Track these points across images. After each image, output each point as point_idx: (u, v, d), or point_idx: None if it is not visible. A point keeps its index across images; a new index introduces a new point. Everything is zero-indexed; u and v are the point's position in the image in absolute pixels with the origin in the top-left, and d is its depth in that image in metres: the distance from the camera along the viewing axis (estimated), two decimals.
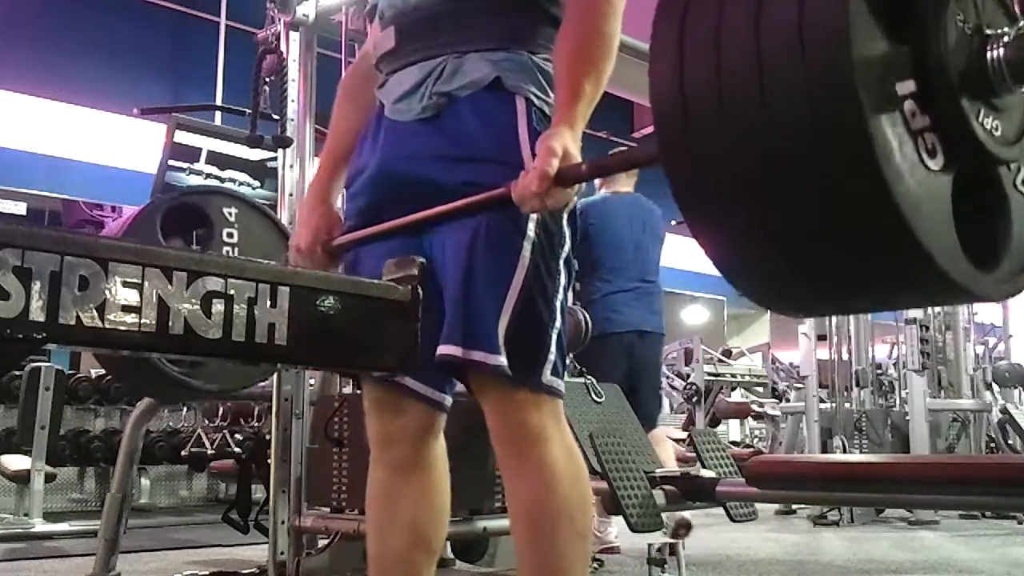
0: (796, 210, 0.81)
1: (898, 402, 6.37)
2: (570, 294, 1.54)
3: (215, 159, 4.60)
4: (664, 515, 3.48)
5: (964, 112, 0.81)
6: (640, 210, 4.01)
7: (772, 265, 0.88)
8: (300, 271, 1.04)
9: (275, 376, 2.80)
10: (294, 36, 3.00)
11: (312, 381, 3.00)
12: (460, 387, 1.53)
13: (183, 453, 5.72)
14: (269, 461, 2.89)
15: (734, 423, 9.08)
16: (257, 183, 4.75)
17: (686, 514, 3.44)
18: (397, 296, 1.00)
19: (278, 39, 2.95)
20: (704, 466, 2.69)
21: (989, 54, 0.83)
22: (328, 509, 2.75)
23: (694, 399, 7.15)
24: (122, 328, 0.80)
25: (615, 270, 3.84)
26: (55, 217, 8.38)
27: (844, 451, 5.28)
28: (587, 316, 3.34)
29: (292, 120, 2.93)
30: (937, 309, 6.07)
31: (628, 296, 3.85)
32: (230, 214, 2.54)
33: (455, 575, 3.16)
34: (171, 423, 6.15)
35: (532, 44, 1.48)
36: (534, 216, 1.39)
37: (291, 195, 2.99)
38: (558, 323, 1.45)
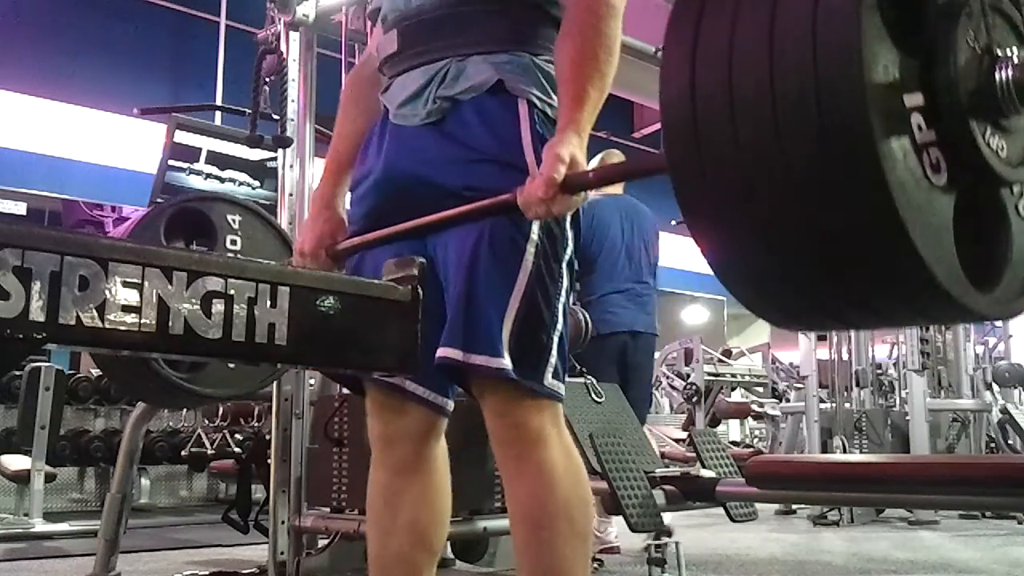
0: (802, 223, 0.81)
1: (898, 402, 6.37)
2: (571, 296, 1.54)
3: (215, 159, 4.61)
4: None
5: (972, 131, 0.82)
6: (631, 212, 4.08)
7: (775, 278, 0.88)
8: (300, 271, 1.04)
9: None
10: (294, 36, 3.00)
11: (312, 381, 3.00)
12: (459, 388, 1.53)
13: (183, 453, 5.71)
14: (269, 461, 2.89)
15: (734, 423, 9.08)
16: (257, 183, 4.75)
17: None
18: (397, 296, 1.00)
19: (278, 39, 2.95)
20: (704, 466, 2.69)
21: (998, 75, 0.83)
22: (328, 509, 2.76)
23: (694, 399, 7.15)
24: (122, 328, 0.80)
25: (608, 271, 3.91)
26: (55, 217, 8.36)
27: (844, 451, 5.28)
28: (587, 316, 3.35)
29: (292, 120, 2.93)
30: None
31: (621, 297, 3.92)
32: (233, 220, 2.55)
33: (455, 575, 3.16)
34: (171, 423, 6.15)
35: (533, 45, 1.48)
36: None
37: (291, 195, 2.99)
38: (560, 326, 1.45)
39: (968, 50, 0.83)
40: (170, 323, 0.82)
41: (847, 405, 5.85)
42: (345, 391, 2.77)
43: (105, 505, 2.78)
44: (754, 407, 7.40)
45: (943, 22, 0.82)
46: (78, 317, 0.78)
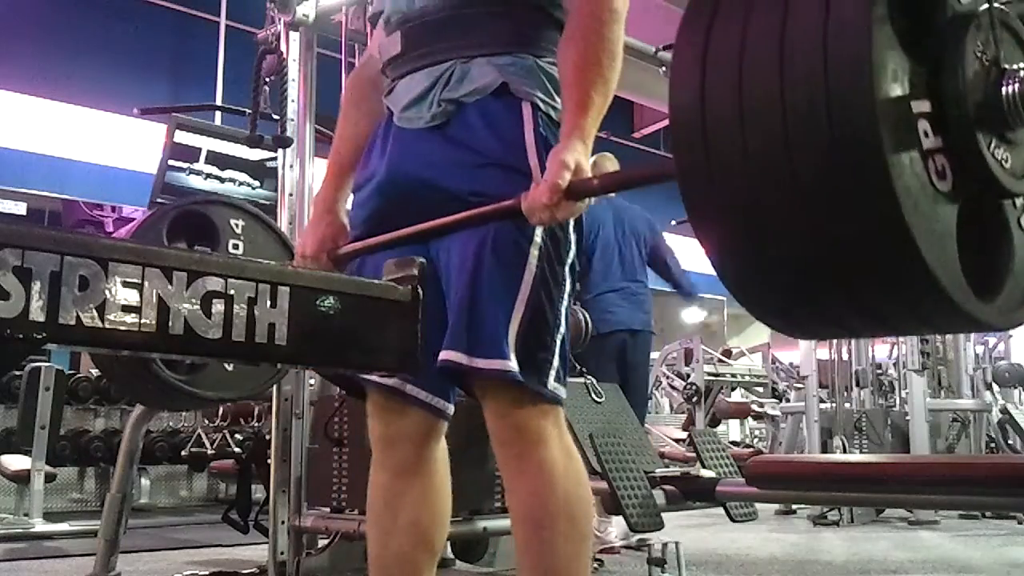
0: (809, 231, 0.82)
1: (898, 402, 6.37)
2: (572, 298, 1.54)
3: (215, 159, 4.60)
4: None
5: (978, 142, 0.83)
6: (623, 211, 4.16)
7: (781, 285, 0.89)
8: (300, 271, 1.04)
9: None
10: (294, 36, 3.00)
11: (312, 381, 3.00)
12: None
13: (183, 453, 5.72)
14: (269, 461, 2.89)
15: (734, 423, 9.07)
16: (257, 183, 4.75)
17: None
18: (397, 296, 1.00)
19: (278, 39, 2.95)
20: (704, 466, 2.69)
21: (1005, 89, 0.84)
22: (328, 509, 2.76)
23: (694, 399, 7.15)
24: (122, 328, 0.80)
25: (603, 271, 3.98)
26: (55, 217, 8.38)
27: (844, 451, 5.28)
28: (587, 316, 3.36)
29: (292, 120, 2.93)
30: None
31: (617, 296, 4.00)
32: (236, 225, 2.55)
33: (455, 575, 3.16)
34: (171, 423, 6.15)
35: (537, 47, 1.48)
36: None
37: (291, 195, 2.99)
38: (563, 329, 1.46)
39: (976, 62, 0.84)
40: (170, 323, 0.82)
41: (847, 405, 5.85)
42: (344, 391, 2.77)
43: (105, 505, 2.78)
44: (754, 407, 7.40)
45: (953, 33, 0.83)
46: (78, 317, 0.78)
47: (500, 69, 1.45)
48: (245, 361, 0.95)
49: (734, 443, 8.39)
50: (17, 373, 4.98)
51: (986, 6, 0.86)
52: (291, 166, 2.99)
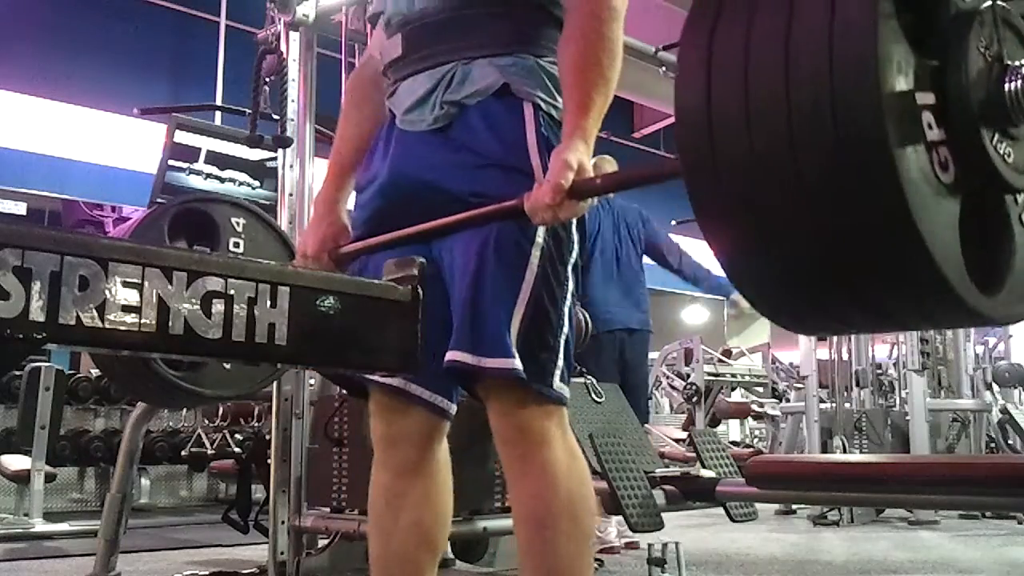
0: (816, 227, 0.83)
1: (898, 402, 6.37)
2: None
3: (215, 159, 4.61)
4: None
5: (982, 136, 0.84)
6: (620, 210, 4.17)
7: (787, 282, 0.90)
8: (300, 271, 1.04)
9: None
10: (294, 36, 3.00)
11: (312, 381, 3.00)
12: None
13: (183, 453, 5.72)
14: (269, 461, 2.89)
15: (734, 423, 9.07)
16: (257, 183, 4.75)
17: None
18: (397, 296, 1.00)
19: (278, 39, 2.95)
20: (704, 466, 2.69)
21: (1008, 85, 0.85)
22: (328, 509, 2.76)
23: (694, 399, 7.15)
24: (122, 328, 0.80)
25: (601, 270, 4.01)
26: (55, 217, 8.37)
27: (844, 451, 5.27)
28: (587, 316, 3.36)
29: (292, 120, 2.93)
30: None
31: (615, 295, 4.03)
32: (237, 223, 2.55)
33: (455, 575, 3.16)
34: (171, 423, 6.15)
35: (538, 47, 1.48)
36: None
37: (291, 195, 2.99)
38: (566, 329, 1.46)
39: (979, 58, 0.85)
40: (170, 323, 0.82)
41: (847, 405, 5.85)
42: (345, 391, 2.77)
43: (105, 505, 2.78)
44: (754, 407, 7.40)
45: (956, 30, 0.84)
46: (78, 317, 0.78)
47: (501, 70, 1.45)
48: (245, 361, 0.95)
49: (734, 443, 8.39)
50: (17, 373, 4.98)
51: (989, 4, 0.87)
52: (291, 166, 2.99)
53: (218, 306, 0.85)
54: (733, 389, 7.84)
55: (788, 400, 7.36)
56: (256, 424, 4.84)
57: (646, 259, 4.26)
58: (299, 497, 2.81)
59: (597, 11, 1.38)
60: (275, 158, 3.38)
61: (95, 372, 5.89)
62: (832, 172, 0.79)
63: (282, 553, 2.77)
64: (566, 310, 1.46)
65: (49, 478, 4.77)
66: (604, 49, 1.37)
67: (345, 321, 0.94)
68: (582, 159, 1.29)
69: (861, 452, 5.39)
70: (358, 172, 1.65)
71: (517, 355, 1.37)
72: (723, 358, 7.98)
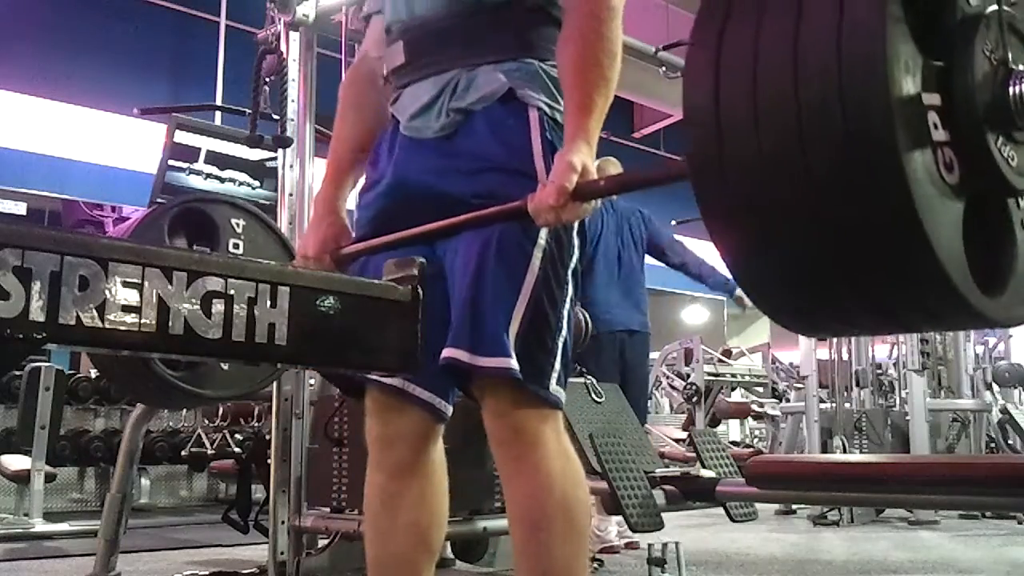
0: (823, 227, 0.83)
1: (898, 402, 6.37)
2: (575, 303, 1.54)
3: (215, 159, 4.61)
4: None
5: (987, 139, 0.85)
6: (623, 212, 4.20)
7: (794, 283, 0.90)
8: (300, 271, 1.04)
9: None
10: (294, 36, 3.00)
11: (312, 381, 3.00)
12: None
13: (183, 453, 5.72)
14: (269, 461, 2.89)
15: (734, 423, 9.07)
16: (257, 183, 4.75)
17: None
18: (397, 296, 1.00)
19: (278, 39, 2.95)
20: (704, 466, 2.69)
21: (1012, 89, 0.86)
22: (328, 509, 2.76)
23: (694, 399, 7.15)
24: (122, 328, 0.80)
25: (603, 271, 4.03)
26: (55, 217, 8.37)
27: (844, 451, 5.27)
28: (587, 316, 3.36)
29: (292, 120, 2.93)
30: None
31: (616, 297, 4.07)
32: (237, 224, 2.55)
33: (455, 575, 3.16)
34: (171, 423, 6.15)
35: (540, 50, 1.48)
36: None
37: (291, 195, 2.99)
38: (565, 332, 1.46)
39: (985, 62, 0.85)
40: (170, 323, 0.82)
41: (847, 405, 5.85)
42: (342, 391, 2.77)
43: (105, 505, 2.78)
44: (754, 407, 7.40)
45: (963, 34, 0.85)
46: (78, 317, 0.78)
47: (506, 75, 1.45)
48: (245, 361, 0.95)
49: (734, 443, 8.39)
50: (17, 373, 4.98)
51: (994, 8, 0.87)
52: (291, 166, 2.99)
53: (218, 306, 0.85)
54: (733, 389, 7.84)
55: (788, 400, 7.36)
56: (256, 424, 4.84)
57: (649, 258, 4.28)
58: (299, 497, 2.81)
59: (596, 11, 1.38)
60: (275, 158, 3.38)
61: (95, 372, 5.89)
62: (840, 171, 0.80)
63: (282, 553, 2.77)
64: (565, 313, 1.46)
65: (49, 478, 4.77)
66: (604, 49, 1.37)
67: (345, 321, 0.94)
68: (585, 161, 1.29)
69: (861, 452, 5.38)
70: (358, 171, 1.65)
71: (514, 355, 1.37)
72: (723, 358, 7.98)
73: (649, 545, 2.72)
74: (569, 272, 1.47)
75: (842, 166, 0.79)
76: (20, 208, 7.95)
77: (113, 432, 5.84)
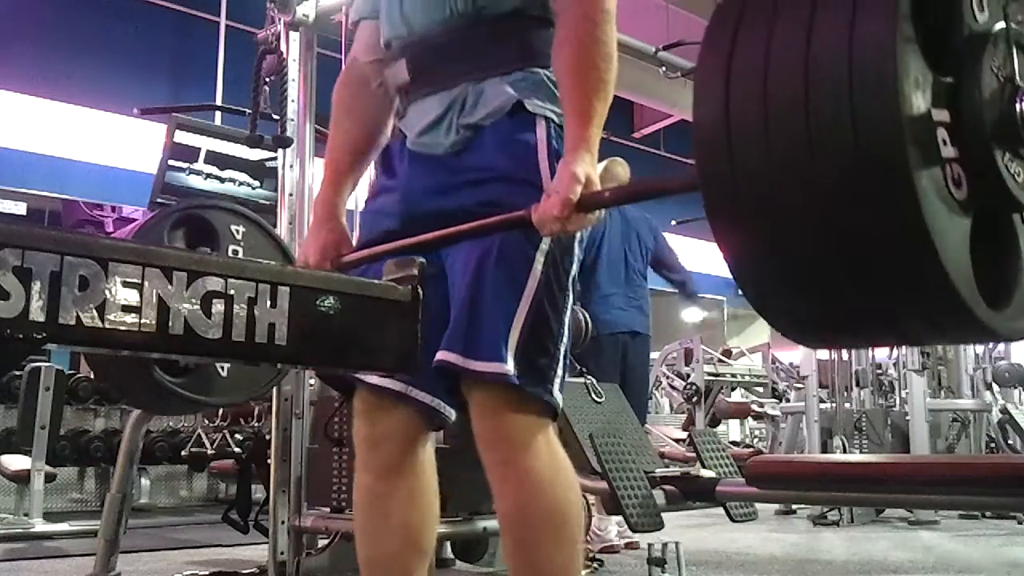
0: (832, 240, 0.84)
1: (898, 402, 6.37)
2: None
3: (215, 159, 4.60)
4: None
5: (994, 155, 0.85)
6: (629, 215, 4.22)
7: (802, 294, 0.91)
8: (300, 271, 1.04)
9: None
10: (294, 36, 3.00)
11: (312, 381, 3.00)
12: None
13: (183, 453, 5.72)
14: (269, 461, 2.89)
15: (734, 423, 9.07)
16: (257, 183, 4.75)
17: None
18: (397, 296, 1.00)
19: (278, 39, 2.95)
20: (704, 466, 2.69)
21: (1019, 106, 0.87)
22: (328, 509, 2.76)
23: (694, 399, 7.14)
24: (122, 328, 0.80)
25: (609, 273, 4.08)
26: (55, 217, 8.37)
27: (844, 451, 5.27)
28: (587, 316, 3.36)
29: (292, 120, 2.93)
30: None
31: (620, 299, 4.14)
32: (237, 231, 2.56)
33: (455, 575, 3.16)
34: (171, 423, 6.15)
35: (543, 58, 1.47)
36: None
37: (291, 195, 2.99)
38: (565, 338, 1.46)
39: (993, 78, 0.86)
40: (170, 323, 0.82)
41: (847, 405, 5.85)
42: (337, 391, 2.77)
43: (105, 505, 2.78)
44: (754, 407, 7.39)
45: (971, 51, 0.86)
46: (78, 317, 0.78)
47: (513, 86, 1.45)
48: (245, 361, 0.95)
49: (734, 443, 8.39)
50: (17, 373, 4.98)
51: (1002, 26, 0.88)
52: (291, 166, 3.00)
53: (218, 306, 0.85)
54: (733, 389, 7.84)
55: (788, 400, 7.36)
56: (256, 424, 4.84)
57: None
58: (299, 497, 2.81)
59: (590, 14, 1.38)
60: (275, 158, 3.38)
61: None
62: (850, 185, 0.80)
63: (282, 553, 2.77)
64: (566, 319, 1.46)
65: (49, 478, 4.77)
66: (600, 53, 1.37)
67: (345, 321, 0.94)
68: (589, 171, 1.29)
69: (861, 452, 5.38)
70: (356, 173, 1.65)
71: (511, 360, 1.37)
72: (723, 358, 7.98)
73: (649, 545, 2.72)
74: (570, 278, 1.47)
75: (852, 181, 0.80)
76: (20, 208, 7.95)
77: (113, 432, 5.84)
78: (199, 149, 4.57)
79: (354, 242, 1.60)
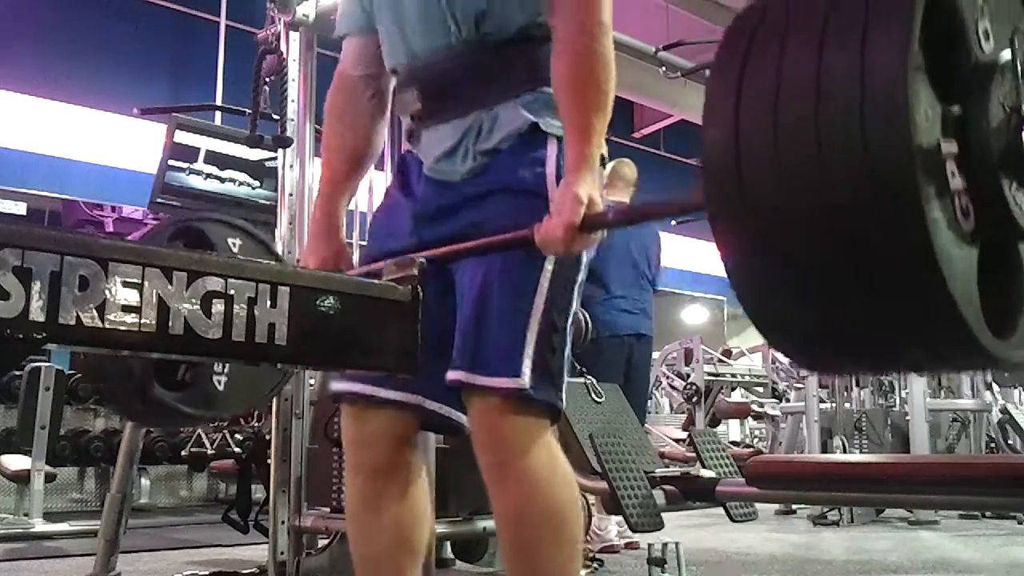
0: (841, 268, 0.84)
1: (898, 402, 6.37)
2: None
3: (214, 159, 4.60)
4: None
5: (1002, 185, 0.86)
6: (641, 226, 4.19)
7: (811, 321, 0.91)
8: (300, 271, 1.04)
9: None
10: (294, 36, 3.00)
11: (312, 381, 3.00)
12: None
13: (183, 453, 5.72)
14: (269, 461, 2.89)
15: (734, 423, 9.07)
16: (257, 183, 4.75)
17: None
18: (397, 296, 1.00)
19: (278, 39, 2.95)
20: (704, 466, 2.69)
21: None
22: (328, 509, 2.76)
23: (694, 399, 7.14)
24: (122, 328, 0.80)
25: (616, 275, 4.11)
26: (55, 217, 8.37)
27: (844, 451, 5.27)
28: (587, 317, 3.37)
29: (292, 120, 2.93)
30: None
31: (627, 302, 4.21)
32: (234, 244, 2.56)
33: (455, 575, 3.16)
34: None
35: (549, 76, 1.46)
36: None
37: (291, 195, 2.99)
38: (567, 345, 1.46)
39: (1000, 109, 0.86)
40: (170, 323, 0.82)
41: (847, 405, 5.85)
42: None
43: (105, 505, 2.78)
44: (754, 407, 7.39)
45: (979, 79, 0.86)
46: (78, 317, 0.78)
47: (526, 107, 1.45)
48: (245, 361, 0.95)
49: (734, 443, 8.39)
50: (17, 373, 4.99)
51: (1008, 56, 0.88)
52: (291, 166, 2.99)
53: (218, 306, 0.85)
54: (733, 389, 7.84)
55: (788, 400, 7.36)
56: (256, 424, 4.83)
57: None
58: (299, 497, 2.81)
59: (588, 26, 1.37)
60: (275, 158, 3.38)
61: None
62: (860, 217, 0.80)
63: (282, 553, 2.77)
64: (569, 326, 1.46)
65: (49, 478, 4.77)
66: (600, 66, 1.36)
67: (345, 321, 0.94)
68: (592, 192, 1.29)
69: (861, 452, 5.38)
70: (353, 183, 1.66)
71: (529, 373, 1.37)
72: (723, 358, 7.97)
73: (649, 545, 2.73)
74: (576, 285, 1.47)
75: (863, 212, 0.80)
76: (20, 208, 7.95)
77: (113, 432, 5.84)
78: (199, 149, 4.57)
79: (354, 240, 1.60)
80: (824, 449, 5.35)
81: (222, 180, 4.63)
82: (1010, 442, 6.08)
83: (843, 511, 5.03)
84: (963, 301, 0.81)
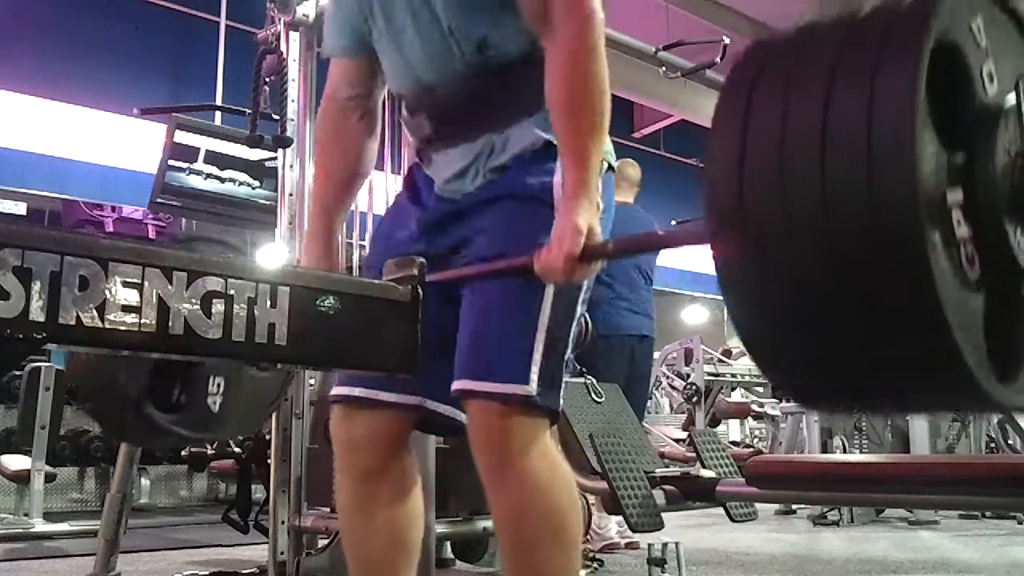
0: (847, 315, 0.84)
1: None
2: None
3: (214, 159, 4.60)
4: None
5: (1007, 232, 0.85)
6: (640, 221, 4.25)
7: (813, 363, 0.91)
8: (300, 271, 1.04)
9: None
10: (294, 36, 3.00)
11: (312, 381, 3.00)
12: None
13: (183, 453, 5.70)
14: (269, 461, 2.89)
15: (734, 423, 9.07)
16: (257, 183, 4.74)
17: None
18: (397, 296, 1.00)
19: (278, 39, 2.95)
20: (704, 466, 2.69)
21: None
22: (328, 509, 2.75)
23: (694, 399, 7.14)
24: (122, 328, 0.80)
25: (621, 277, 4.09)
26: (55, 217, 8.38)
27: (844, 451, 5.27)
28: (587, 317, 3.37)
29: (292, 120, 2.93)
30: None
31: (630, 303, 4.22)
32: None
33: (455, 575, 3.16)
34: None
35: None
36: None
37: (291, 195, 2.99)
38: (570, 351, 1.47)
39: (1004, 154, 0.86)
40: (170, 323, 0.83)
41: None
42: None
43: (105, 505, 2.78)
44: (754, 407, 7.39)
45: (983, 127, 0.86)
46: (78, 317, 0.78)
47: (538, 126, 1.46)
48: (245, 361, 0.95)
49: (734, 443, 8.38)
50: (17, 373, 4.99)
51: (1013, 101, 0.87)
52: (291, 166, 2.99)
53: (218, 306, 0.85)
54: (733, 389, 7.83)
55: (788, 400, 7.36)
56: None
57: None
58: (299, 497, 2.81)
59: (579, 52, 1.36)
60: (275, 158, 3.38)
61: None
62: (866, 264, 0.80)
63: (282, 553, 2.77)
64: (572, 333, 1.47)
65: (49, 478, 4.77)
66: (593, 90, 1.36)
67: (345, 321, 0.94)
68: (592, 222, 1.29)
69: (861, 452, 5.38)
70: (347, 201, 1.68)
71: (536, 381, 1.37)
72: (723, 358, 7.97)
73: (649, 545, 2.73)
74: (581, 297, 1.48)
75: (868, 262, 0.80)
76: (20, 208, 7.96)
77: None
78: (199, 149, 4.57)
79: (353, 240, 1.61)
80: (824, 449, 5.35)
81: (222, 180, 4.63)
82: (1010, 442, 6.08)
83: (843, 511, 5.03)
84: (968, 349, 0.81)
